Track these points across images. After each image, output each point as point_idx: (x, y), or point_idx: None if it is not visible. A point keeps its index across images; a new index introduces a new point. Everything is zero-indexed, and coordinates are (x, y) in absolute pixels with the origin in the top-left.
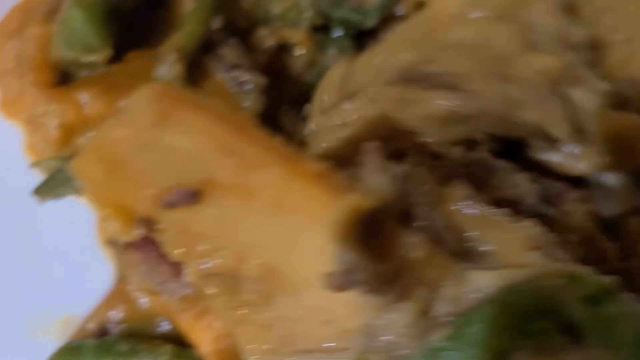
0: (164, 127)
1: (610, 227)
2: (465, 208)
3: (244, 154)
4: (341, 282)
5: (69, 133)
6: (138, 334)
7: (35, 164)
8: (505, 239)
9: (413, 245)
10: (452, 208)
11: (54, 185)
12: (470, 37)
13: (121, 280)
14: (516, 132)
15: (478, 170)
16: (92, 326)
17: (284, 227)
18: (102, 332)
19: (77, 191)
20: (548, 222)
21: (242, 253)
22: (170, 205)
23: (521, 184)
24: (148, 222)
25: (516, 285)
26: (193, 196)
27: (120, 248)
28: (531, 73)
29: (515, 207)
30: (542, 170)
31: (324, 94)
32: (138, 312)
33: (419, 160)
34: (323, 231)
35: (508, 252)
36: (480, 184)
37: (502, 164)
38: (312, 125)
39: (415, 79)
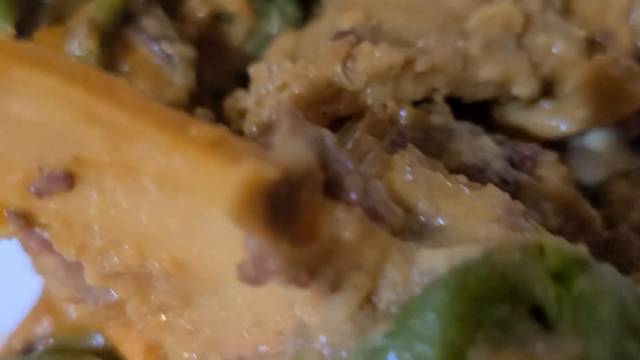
0: (4, 93)
1: (593, 194)
2: (412, 174)
3: (114, 122)
4: (253, 274)
5: None
6: (65, 349)
7: None
8: (462, 211)
9: (345, 222)
10: (396, 177)
11: None
12: None
13: (46, 290)
14: (477, 92)
15: (435, 134)
16: (17, 344)
17: (181, 209)
18: (28, 349)
19: None
20: (517, 189)
21: (142, 246)
22: (41, 193)
23: (486, 147)
24: (25, 217)
25: (472, 263)
26: (64, 179)
27: (15, 228)
28: (489, 25)
29: (477, 175)
30: (512, 134)
31: (267, 65)
32: (66, 325)
33: (365, 126)
34: (225, 212)
35: (465, 226)
36: (438, 150)
37: (463, 126)
38: (252, 94)
39: (360, 35)
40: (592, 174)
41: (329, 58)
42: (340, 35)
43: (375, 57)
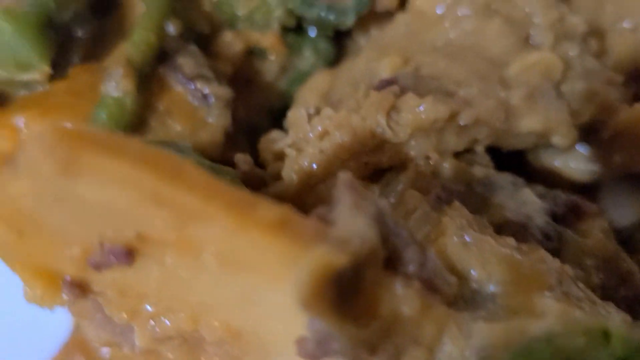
0: (72, 177)
1: (625, 240)
2: (463, 239)
3: (179, 204)
4: (314, 352)
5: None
6: None
7: None
8: (514, 278)
9: (404, 298)
10: (448, 242)
11: None
12: (460, 37)
13: (78, 329)
14: (517, 143)
15: (477, 188)
16: None
17: (242, 285)
18: None
19: None
20: (560, 245)
21: (197, 314)
22: (100, 266)
23: (528, 201)
24: (80, 285)
25: (534, 343)
26: (126, 255)
27: (70, 297)
28: (530, 74)
29: (521, 231)
30: (546, 177)
31: (304, 105)
32: None
33: (408, 179)
34: (288, 292)
35: (518, 295)
36: (481, 204)
37: (504, 177)
38: (290, 137)
39: (404, 85)
40: (623, 217)
41: (373, 109)
42: (383, 84)
43: (420, 110)
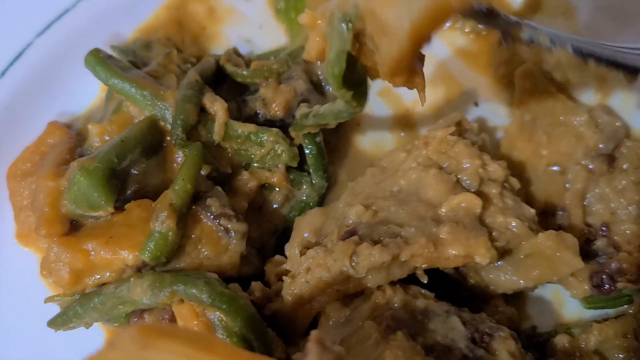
0: (146, 351)
1: (543, 342)
2: None
3: None
4: None
5: (78, 276)
6: None
7: (49, 299)
8: None
9: None
10: None
11: (66, 319)
12: (407, 185)
13: None
14: (448, 263)
15: (418, 316)
16: None
17: None
18: None
19: (87, 324)
20: None
21: None
22: None
23: (455, 327)
24: None
25: None
26: None
27: None
28: (456, 210)
29: (446, 353)
30: (484, 289)
31: (299, 235)
32: None
33: (369, 309)
34: None
35: None
36: (420, 329)
37: (440, 307)
38: (287, 265)
39: (362, 234)
40: (545, 323)
41: (341, 255)
42: (346, 235)
43: (372, 255)
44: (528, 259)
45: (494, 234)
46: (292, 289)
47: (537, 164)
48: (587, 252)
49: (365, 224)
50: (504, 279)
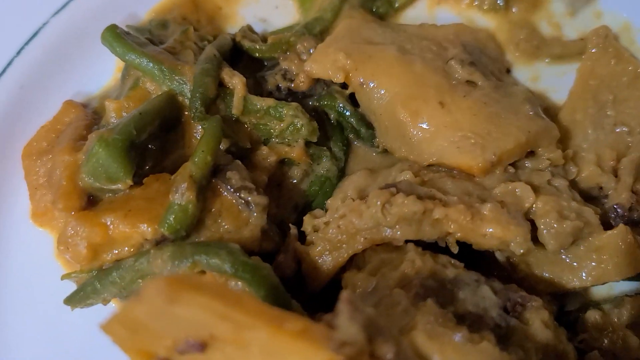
0: (173, 305)
1: (573, 320)
2: (429, 332)
3: (236, 319)
4: None
5: (96, 251)
6: None
7: (66, 276)
8: None
9: None
10: (418, 334)
11: (83, 296)
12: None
13: None
14: (483, 242)
15: (448, 285)
16: None
17: None
18: None
19: (104, 300)
20: (508, 331)
21: None
22: (183, 352)
23: (486, 296)
24: None
25: None
26: (200, 347)
27: None
28: (507, 197)
29: (478, 321)
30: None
31: (342, 193)
32: None
33: (397, 279)
34: None
35: None
36: (449, 298)
37: (470, 276)
38: (326, 217)
39: (399, 188)
40: (572, 301)
41: (375, 201)
42: (386, 186)
43: (405, 205)
44: (594, 254)
45: (541, 227)
46: (323, 234)
47: (604, 124)
48: (630, 219)
49: (407, 182)
50: (557, 278)
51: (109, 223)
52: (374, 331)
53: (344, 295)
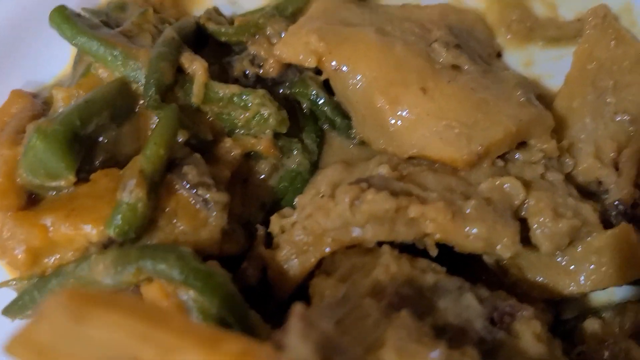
0: (81, 324)
1: (570, 330)
2: (400, 351)
3: (161, 340)
4: None
5: (36, 256)
6: None
7: (3, 284)
8: None
9: None
10: (385, 353)
11: (22, 306)
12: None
13: None
14: (466, 244)
15: (426, 293)
16: None
17: None
18: None
19: None
20: (495, 346)
21: None
22: None
23: (470, 306)
24: None
25: None
26: None
27: None
28: (494, 193)
29: (459, 335)
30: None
31: (315, 187)
32: None
33: (369, 286)
34: None
35: None
36: (427, 308)
37: (452, 283)
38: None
39: (372, 183)
40: (569, 310)
41: (343, 197)
42: (358, 181)
43: (375, 201)
44: (593, 256)
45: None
46: (289, 236)
47: (603, 112)
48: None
49: (381, 177)
50: (553, 283)
51: (49, 224)
52: (331, 351)
53: (296, 308)
